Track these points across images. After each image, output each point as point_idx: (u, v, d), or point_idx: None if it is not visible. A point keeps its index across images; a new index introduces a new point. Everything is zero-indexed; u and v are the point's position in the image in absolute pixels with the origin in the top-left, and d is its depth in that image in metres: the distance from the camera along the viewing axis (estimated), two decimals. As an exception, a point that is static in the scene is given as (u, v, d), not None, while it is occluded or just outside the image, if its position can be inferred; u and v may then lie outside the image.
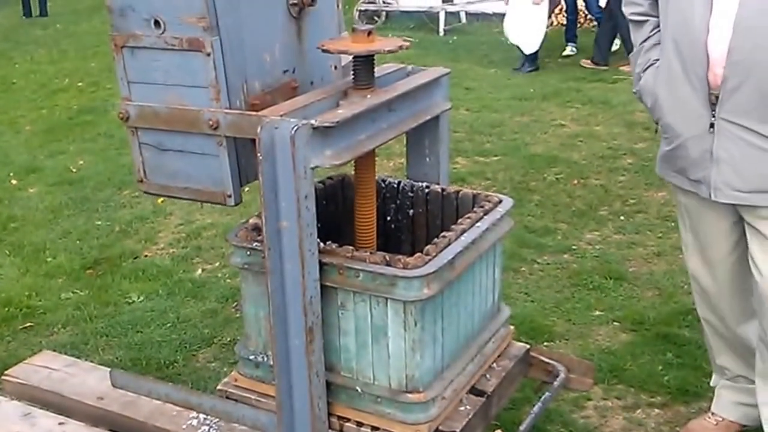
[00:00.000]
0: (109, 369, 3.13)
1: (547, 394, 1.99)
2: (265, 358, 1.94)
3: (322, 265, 1.78)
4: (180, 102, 1.88)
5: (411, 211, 2.14)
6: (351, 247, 1.80)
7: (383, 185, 2.16)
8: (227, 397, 2.03)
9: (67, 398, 3.02)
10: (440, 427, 1.84)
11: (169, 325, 4.02)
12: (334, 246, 1.81)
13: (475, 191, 2.06)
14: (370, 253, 1.78)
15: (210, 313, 4.07)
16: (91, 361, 3.70)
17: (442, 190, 2.09)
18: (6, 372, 3.16)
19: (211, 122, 1.83)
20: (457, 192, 2.07)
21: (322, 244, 1.82)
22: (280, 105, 1.80)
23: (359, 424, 1.87)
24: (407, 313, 1.75)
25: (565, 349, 3.64)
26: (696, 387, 3.43)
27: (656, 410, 3.32)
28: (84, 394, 2.98)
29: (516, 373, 2.08)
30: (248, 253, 1.89)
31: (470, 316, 1.96)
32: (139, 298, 4.31)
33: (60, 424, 2.89)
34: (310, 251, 1.73)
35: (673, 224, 4.88)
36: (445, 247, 1.80)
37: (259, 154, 1.69)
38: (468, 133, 6.60)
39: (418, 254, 1.76)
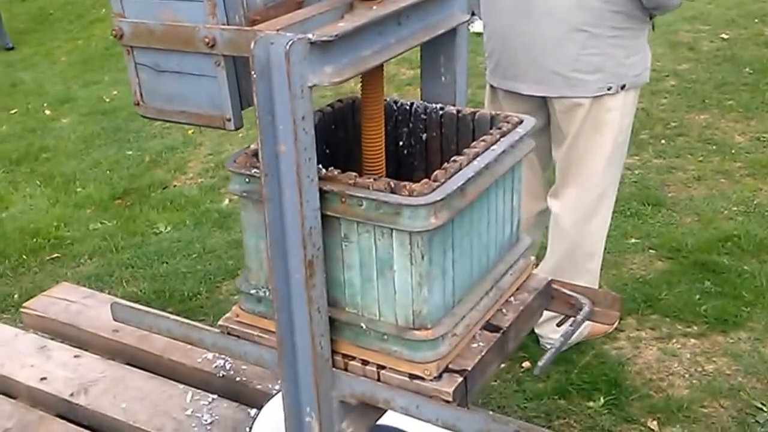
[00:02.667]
0: (124, 301, 3.08)
1: (569, 327, 1.83)
2: (267, 293, 1.80)
3: (323, 192, 1.63)
4: (174, 18, 1.72)
5: (424, 135, 1.96)
6: (354, 174, 1.64)
7: (395, 107, 1.98)
8: (229, 333, 1.91)
9: (83, 331, 3.00)
10: (450, 365, 1.69)
11: (194, 255, 3.94)
12: (336, 172, 1.65)
13: (493, 112, 1.87)
14: (374, 179, 1.61)
15: (235, 244, 3.98)
16: (116, 294, 3.66)
17: (458, 111, 1.91)
18: (24, 304, 3.14)
19: (206, 40, 1.67)
20: (474, 113, 1.88)
21: (323, 170, 1.66)
22: (277, 19, 1.61)
23: (365, 362, 1.73)
24: (413, 245, 1.59)
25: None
26: (735, 316, 3.27)
27: (692, 340, 3.17)
28: (100, 326, 2.95)
29: (536, 306, 1.91)
30: (247, 180, 1.74)
31: (485, 247, 1.79)
32: (166, 228, 4.24)
33: (75, 357, 2.87)
34: (308, 177, 1.57)
35: (714, 147, 4.66)
36: (456, 173, 1.63)
37: (253, 73, 1.52)
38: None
39: (425, 180, 1.59)
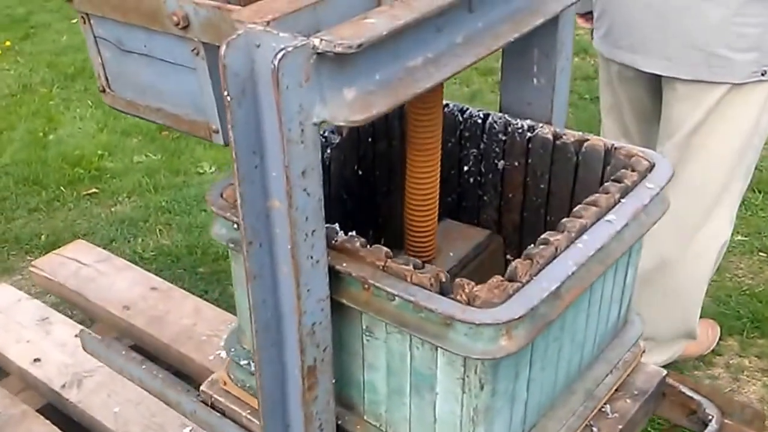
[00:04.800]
0: (142, 270, 2.54)
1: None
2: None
3: (337, 272, 0.99)
4: (134, -20, 1.09)
5: (500, 163, 1.29)
6: (385, 251, 0.99)
7: (460, 118, 1.31)
8: (212, 405, 1.32)
9: (91, 302, 2.48)
10: None
11: (237, 205, 3.36)
12: (358, 243, 1.01)
13: (610, 143, 1.19)
14: (415, 266, 0.96)
15: (285, 195, 3.37)
16: (147, 245, 3.12)
17: (555, 135, 1.22)
18: (34, 263, 2.63)
19: (175, 17, 1.04)
20: (581, 142, 1.20)
21: (339, 234, 1.02)
22: (275, 1, 0.94)
23: (385, 506, 1.12)
24: (469, 370, 0.96)
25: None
26: None
27: (809, 378, 2.47)
28: (110, 300, 2.47)
29: (640, 416, 1.27)
30: (236, 226, 1.11)
31: (579, 347, 1.14)
32: (210, 168, 3.66)
33: (76, 336, 2.35)
34: (311, 259, 0.94)
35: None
36: (548, 264, 0.97)
37: (226, 94, 0.87)
38: None
39: (498, 280, 0.93)
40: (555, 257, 0.97)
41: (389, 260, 0.96)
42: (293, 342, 1.00)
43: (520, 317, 0.89)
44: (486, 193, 1.33)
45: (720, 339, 2.56)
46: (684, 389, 1.31)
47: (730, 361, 2.52)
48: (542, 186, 1.25)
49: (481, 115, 1.28)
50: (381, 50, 0.90)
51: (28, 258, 3.08)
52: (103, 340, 1.55)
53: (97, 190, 3.55)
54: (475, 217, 1.34)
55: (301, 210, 0.90)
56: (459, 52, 0.97)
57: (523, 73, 1.25)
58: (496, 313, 0.89)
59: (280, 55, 0.80)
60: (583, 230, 1.01)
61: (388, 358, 1.04)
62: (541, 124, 1.24)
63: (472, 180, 1.33)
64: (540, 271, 0.95)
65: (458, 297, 0.92)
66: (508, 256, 1.37)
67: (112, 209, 3.41)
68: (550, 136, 1.22)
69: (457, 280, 0.93)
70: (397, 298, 0.95)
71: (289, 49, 0.81)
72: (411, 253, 1.21)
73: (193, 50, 1.07)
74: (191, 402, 1.37)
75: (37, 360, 2.20)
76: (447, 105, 1.31)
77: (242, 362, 1.25)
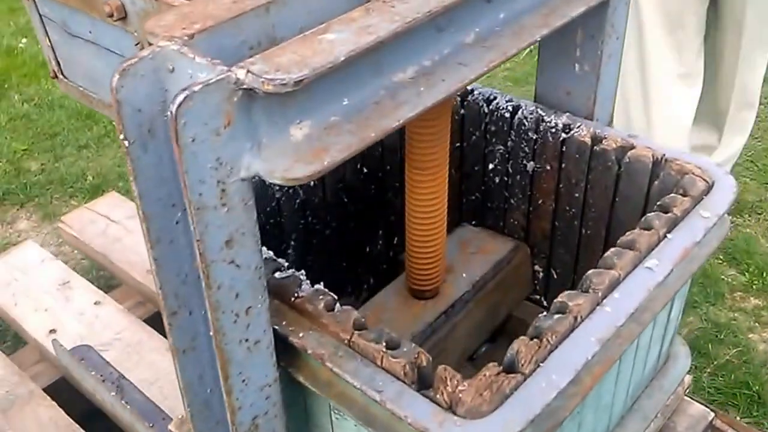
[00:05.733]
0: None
1: None
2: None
3: (290, 346, 0.76)
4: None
5: (530, 165, 1.02)
6: (355, 316, 0.74)
7: (486, 110, 1.03)
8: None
9: (115, 266, 2.31)
10: None
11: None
12: (321, 304, 0.76)
13: (660, 153, 0.90)
14: (388, 345, 0.72)
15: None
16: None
17: (594, 139, 0.94)
18: (62, 218, 2.48)
19: (108, 7, 0.81)
20: (624, 149, 0.92)
21: (304, 285, 0.78)
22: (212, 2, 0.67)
23: None
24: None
25: (755, 228, 2.49)
26: None
27: None
28: (134, 263, 2.28)
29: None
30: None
31: (606, 411, 0.89)
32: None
33: (96, 303, 2.21)
34: (245, 342, 0.70)
35: None
36: (563, 339, 0.71)
37: (122, 138, 0.63)
38: None
39: (492, 373, 0.68)
40: (573, 330, 0.71)
41: (356, 333, 0.72)
42: None
43: (523, 429, 0.65)
44: (513, 195, 1.06)
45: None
46: (737, 433, 1.05)
47: (786, 317, 2.21)
48: (577, 195, 0.98)
49: (510, 108, 1.01)
50: (351, 74, 0.63)
51: (72, 202, 2.93)
52: (77, 352, 1.36)
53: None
54: (501, 220, 1.08)
55: (227, 288, 0.66)
56: (465, 57, 0.70)
57: (564, 57, 0.97)
58: (483, 428, 0.65)
59: (180, 99, 0.55)
60: (614, 285, 0.74)
61: (363, 441, 0.81)
62: (578, 123, 0.95)
63: (497, 180, 1.07)
64: (551, 353, 0.69)
65: (438, 395, 0.67)
66: (536, 267, 1.12)
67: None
68: (587, 140, 0.94)
69: (440, 369, 0.68)
70: (358, 391, 0.71)
71: (196, 88, 0.55)
72: (413, 283, 0.97)
73: (136, 45, 0.84)
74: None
75: (53, 331, 2.07)
76: (472, 92, 1.04)
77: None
